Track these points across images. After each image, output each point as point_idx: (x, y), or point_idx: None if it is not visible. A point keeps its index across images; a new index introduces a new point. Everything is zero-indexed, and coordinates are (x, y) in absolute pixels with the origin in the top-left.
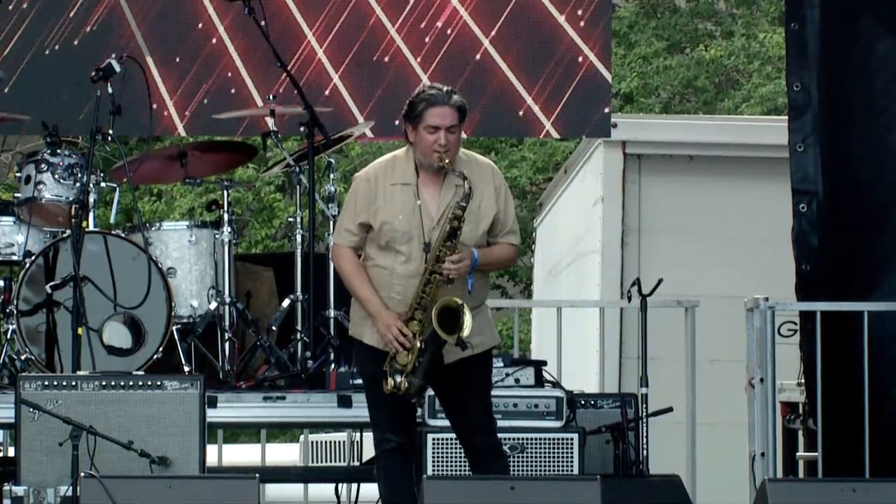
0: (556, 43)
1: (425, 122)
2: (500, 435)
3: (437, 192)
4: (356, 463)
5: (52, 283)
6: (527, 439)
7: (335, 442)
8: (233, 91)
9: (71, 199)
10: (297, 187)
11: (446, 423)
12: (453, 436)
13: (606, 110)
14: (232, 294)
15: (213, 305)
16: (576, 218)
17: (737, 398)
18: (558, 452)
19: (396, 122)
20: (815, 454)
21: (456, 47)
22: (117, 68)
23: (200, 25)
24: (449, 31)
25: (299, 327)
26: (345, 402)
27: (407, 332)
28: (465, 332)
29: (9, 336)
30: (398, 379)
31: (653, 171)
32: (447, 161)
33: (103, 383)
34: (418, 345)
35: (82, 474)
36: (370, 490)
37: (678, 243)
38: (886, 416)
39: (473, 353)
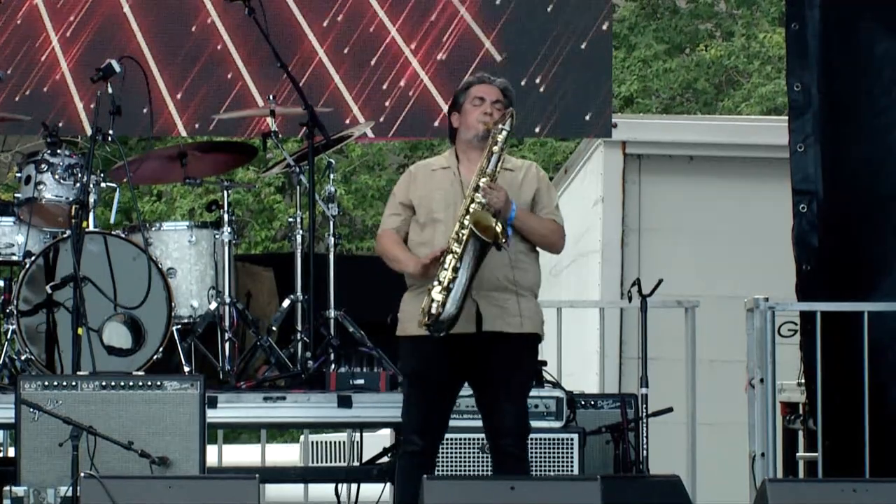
0: (556, 42)
1: (471, 96)
2: None
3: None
4: (356, 463)
5: (52, 284)
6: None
7: (335, 442)
8: (233, 91)
9: (71, 199)
10: (297, 188)
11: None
12: (455, 436)
13: (607, 111)
14: (232, 294)
15: (214, 306)
16: (576, 218)
17: (737, 398)
18: (558, 452)
19: (397, 123)
20: (815, 454)
21: (457, 47)
22: (117, 68)
23: (200, 26)
24: (450, 31)
25: (299, 327)
26: (345, 403)
27: (437, 253)
28: (500, 234)
29: (9, 336)
30: (433, 310)
31: (653, 172)
32: (492, 125)
33: (103, 383)
34: (454, 263)
35: (82, 474)
36: (370, 490)
37: (678, 243)
38: (886, 416)
39: (510, 331)
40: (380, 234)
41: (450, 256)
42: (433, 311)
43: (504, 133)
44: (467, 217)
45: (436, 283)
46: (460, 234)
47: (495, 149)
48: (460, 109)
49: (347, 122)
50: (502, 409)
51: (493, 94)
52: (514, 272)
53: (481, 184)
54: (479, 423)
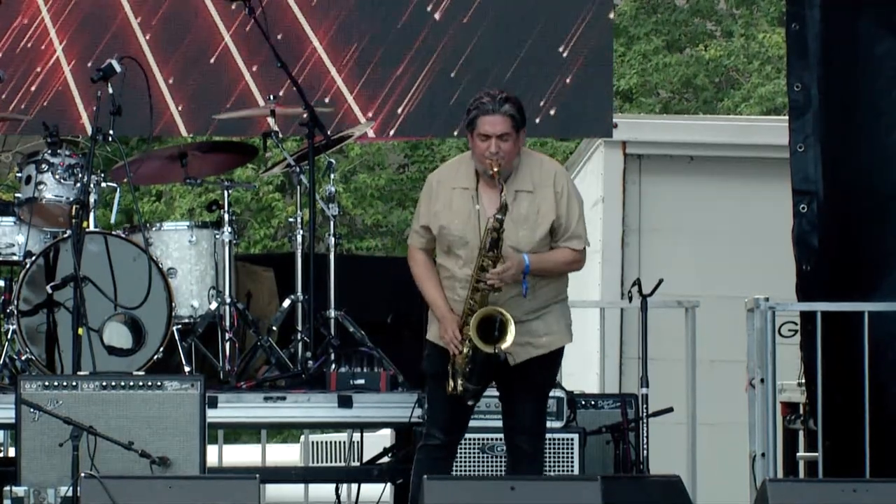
0: (554, 42)
1: (477, 131)
2: (499, 435)
3: (497, 197)
4: (356, 463)
5: (52, 284)
6: None
7: (335, 442)
8: (233, 91)
9: (71, 199)
10: (298, 187)
11: None
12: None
13: (607, 111)
14: (232, 294)
15: (214, 306)
16: None
17: (737, 398)
18: (559, 452)
19: (397, 123)
20: (816, 454)
21: (452, 47)
22: (118, 68)
23: (201, 25)
24: (450, 31)
25: (300, 327)
26: (345, 403)
27: (460, 335)
28: (507, 343)
29: (9, 336)
30: (457, 382)
31: (653, 172)
32: (497, 169)
33: (103, 383)
34: (466, 350)
35: (83, 474)
36: (370, 490)
37: (678, 243)
38: (886, 416)
39: (541, 353)
40: (410, 249)
41: (466, 328)
42: (458, 391)
43: (499, 223)
44: (476, 296)
45: (457, 367)
46: (472, 307)
47: (493, 234)
48: (471, 133)
49: (348, 121)
50: (521, 407)
51: (499, 126)
52: (534, 302)
53: (485, 265)
54: (481, 424)
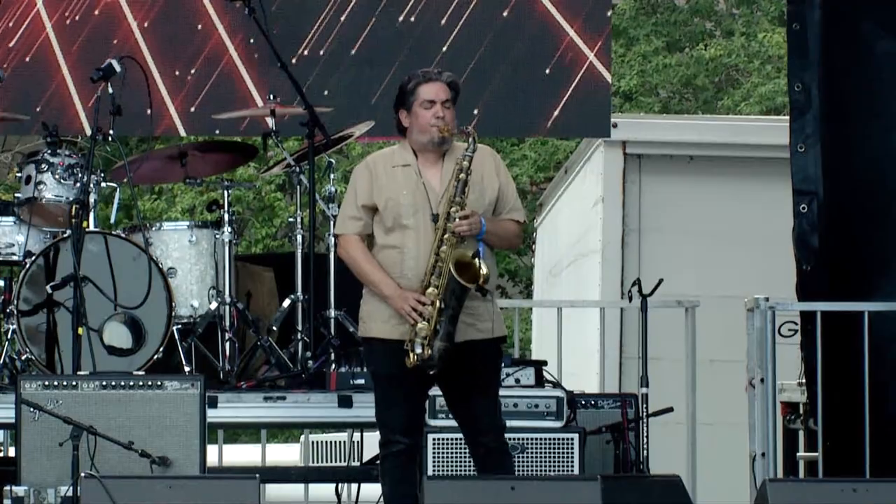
0: (555, 42)
1: (420, 99)
2: None
3: (439, 171)
4: (356, 463)
5: (52, 283)
6: (527, 439)
7: (335, 442)
8: (233, 91)
9: (71, 199)
10: (298, 187)
11: (447, 423)
12: (454, 436)
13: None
14: (232, 294)
15: (214, 305)
16: (576, 218)
17: (737, 398)
18: (558, 452)
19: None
20: (815, 454)
21: (454, 46)
22: (117, 68)
23: (201, 25)
24: (450, 31)
25: (299, 327)
26: (345, 402)
27: (424, 299)
28: (483, 276)
29: (9, 336)
30: (419, 350)
31: (653, 171)
32: (447, 131)
33: (104, 383)
34: (439, 304)
35: (82, 474)
36: (370, 490)
37: (678, 243)
38: (886, 416)
39: (482, 337)
40: (343, 238)
41: (431, 289)
42: (424, 358)
43: (468, 159)
44: (444, 249)
45: (420, 322)
46: (438, 267)
47: (462, 176)
48: (409, 108)
49: (348, 121)
50: (477, 406)
51: (442, 93)
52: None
53: (452, 213)
54: None
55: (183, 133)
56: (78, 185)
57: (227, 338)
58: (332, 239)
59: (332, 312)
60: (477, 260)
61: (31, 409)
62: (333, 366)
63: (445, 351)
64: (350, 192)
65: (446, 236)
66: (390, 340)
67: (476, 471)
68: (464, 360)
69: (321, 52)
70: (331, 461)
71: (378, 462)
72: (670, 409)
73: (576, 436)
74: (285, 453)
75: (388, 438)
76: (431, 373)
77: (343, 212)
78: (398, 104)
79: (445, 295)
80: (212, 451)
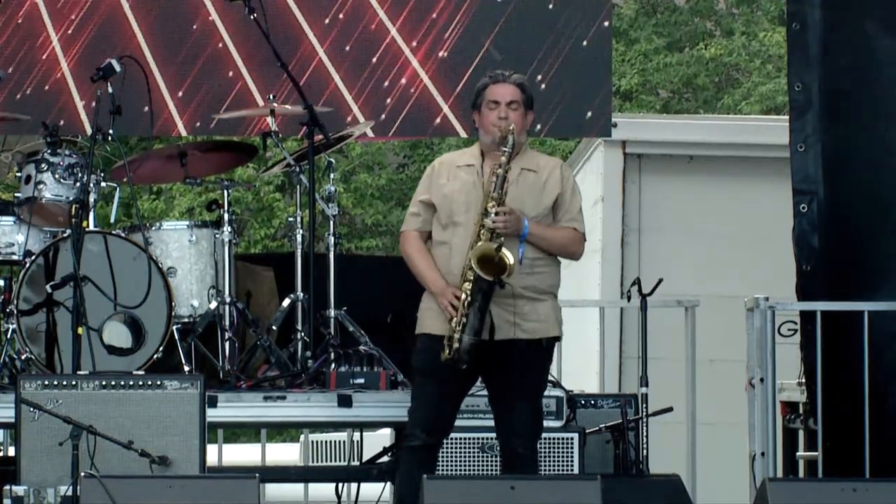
0: (556, 42)
1: (486, 99)
2: None
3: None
4: (356, 463)
5: (52, 283)
6: None
7: (335, 442)
8: (233, 91)
9: (71, 198)
10: (298, 187)
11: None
12: (455, 435)
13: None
14: (232, 294)
15: (214, 305)
16: None
17: (737, 398)
18: (558, 452)
19: (397, 123)
20: (815, 454)
21: (457, 46)
22: (117, 68)
23: (201, 25)
24: (450, 30)
25: (299, 327)
26: (345, 402)
27: (459, 293)
28: (507, 269)
29: (9, 336)
30: (455, 344)
31: (653, 171)
32: (505, 130)
33: (103, 383)
34: (465, 297)
35: (82, 474)
36: (371, 490)
37: (678, 243)
38: (886, 416)
39: (524, 337)
40: (403, 234)
41: (466, 284)
42: (452, 351)
43: (506, 155)
44: (479, 244)
45: (455, 317)
46: (470, 264)
47: (499, 171)
48: (479, 110)
49: (348, 121)
50: (515, 409)
51: (508, 95)
52: (530, 278)
53: (489, 208)
54: (480, 423)
55: (183, 133)
56: (78, 184)
57: (226, 337)
58: (332, 239)
59: (332, 312)
60: (502, 253)
61: (31, 409)
62: (333, 365)
63: (471, 345)
64: (418, 188)
65: (482, 231)
66: (434, 336)
67: (500, 471)
68: (504, 359)
69: (321, 52)
70: (330, 461)
71: (377, 461)
72: (670, 409)
73: (575, 435)
74: (285, 453)
75: (409, 432)
76: (463, 367)
77: (411, 206)
78: (472, 105)
79: (473, 289)
80: (211, 451)
